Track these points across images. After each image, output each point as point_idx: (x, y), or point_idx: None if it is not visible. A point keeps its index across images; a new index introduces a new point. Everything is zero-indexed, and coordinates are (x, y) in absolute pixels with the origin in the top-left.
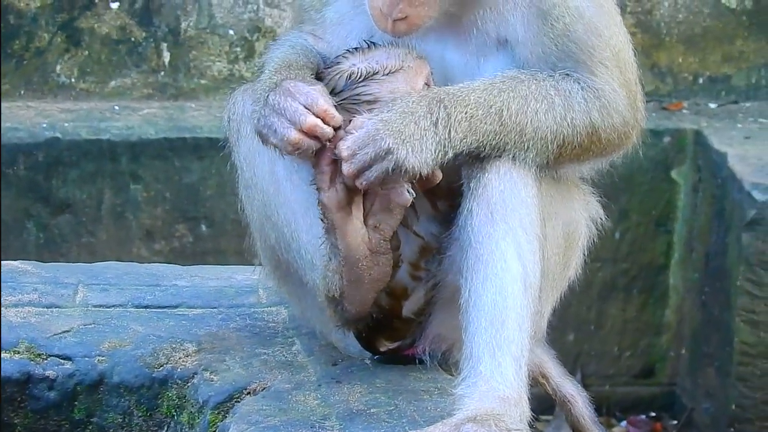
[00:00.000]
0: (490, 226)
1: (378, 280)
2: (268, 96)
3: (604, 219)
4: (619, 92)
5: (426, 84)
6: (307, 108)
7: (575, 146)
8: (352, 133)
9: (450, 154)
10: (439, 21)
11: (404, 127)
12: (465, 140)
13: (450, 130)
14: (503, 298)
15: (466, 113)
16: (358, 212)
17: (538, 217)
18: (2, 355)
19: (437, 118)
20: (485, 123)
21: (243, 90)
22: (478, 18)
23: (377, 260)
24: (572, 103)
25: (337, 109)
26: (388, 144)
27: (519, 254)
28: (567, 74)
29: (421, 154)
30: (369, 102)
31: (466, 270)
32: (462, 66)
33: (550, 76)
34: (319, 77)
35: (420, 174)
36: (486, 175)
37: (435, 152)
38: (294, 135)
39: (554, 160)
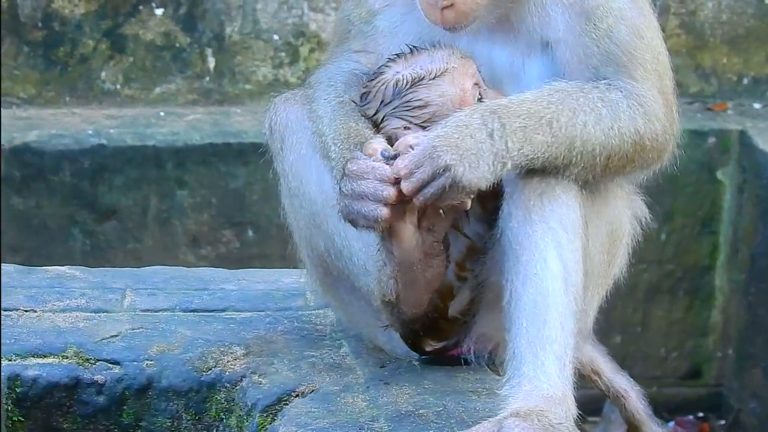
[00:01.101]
0: (529, 227)
1: (432, 281)
2: (340, 187)
3: (648, 217)
4: (658, 98)
5: (476, 84)
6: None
7: (621, 156)
8: (409, 151)
9: (509, 166)
10: (490, 20)
11: (461, 142)
12: (522, 150)
13: (506, 140)
14: (544, 297)
15: (519, 123)
16: (412, 217)
17: (579, 217)
18: (50, 360)
19: (492, 129)
20: (538, 133)
21: (285, 99)
22: (525, 16)
23: (431, 262)
24: (619, 112)
25: (389, 119)
26: (446, 161)
27: (559, 254)
28: (610, 84)
29: (478, 169)
30: (420, 107)
31: (508, 271)
32: (508, 65)
33: (596, 87)
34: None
35: (479, 189)
36: (524, 176)
37: (493, 165)
38: (385, 212)
39: (600, 173)
